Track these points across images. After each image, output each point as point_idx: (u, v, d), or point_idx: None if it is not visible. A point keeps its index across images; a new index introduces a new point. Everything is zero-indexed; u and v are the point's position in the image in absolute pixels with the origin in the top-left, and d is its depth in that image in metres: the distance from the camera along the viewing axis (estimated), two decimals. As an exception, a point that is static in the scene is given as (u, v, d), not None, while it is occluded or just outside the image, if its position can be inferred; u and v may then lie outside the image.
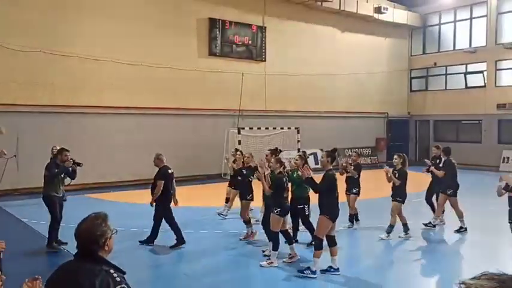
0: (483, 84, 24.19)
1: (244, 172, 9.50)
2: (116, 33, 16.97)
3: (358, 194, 10.09)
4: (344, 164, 10.11)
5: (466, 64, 24.86)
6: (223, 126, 19.10)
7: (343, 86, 23.95)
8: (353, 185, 10.02)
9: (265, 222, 8.17)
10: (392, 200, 9.33)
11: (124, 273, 2.59)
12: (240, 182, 9.72)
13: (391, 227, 9.28)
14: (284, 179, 7.80)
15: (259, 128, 19.66)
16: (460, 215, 9.91)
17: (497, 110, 23.26)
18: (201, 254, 8.42)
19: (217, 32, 19.70)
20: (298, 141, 20.19)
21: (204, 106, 19.24)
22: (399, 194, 9.22)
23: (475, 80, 24.56)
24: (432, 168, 10.47)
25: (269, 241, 7.88)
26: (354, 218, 10.23)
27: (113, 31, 16.91)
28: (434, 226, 10.29)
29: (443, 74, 26.18)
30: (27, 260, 7.63)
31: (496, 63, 23.76)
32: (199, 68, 19.10)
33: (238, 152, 10.81)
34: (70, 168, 8.78)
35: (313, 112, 22.60)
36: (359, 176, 10.12)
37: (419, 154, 27.11)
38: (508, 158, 22.80)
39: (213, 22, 19.53)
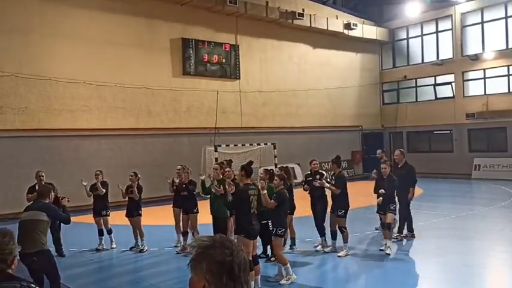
0: (452, 95, 24.94)
1: (190, 187, 9.80)
2: (89, 54, 16.92)
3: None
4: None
5: (435, 76, 25.61)
6: (200, 144, 19.09)
7: (318, 101, 24.32)
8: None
9: (217, 231, 8.37)
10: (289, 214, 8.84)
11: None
12: (186, 197, 9.81)
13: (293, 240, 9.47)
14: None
15: (235, 145, 19.75)
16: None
17: (466, 119, 23.95)
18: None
19: (191, 52, 19.84)
20: (275, 156, 20.34)
21: (179, 125, 19.26)
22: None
23: (444, 92, 25.32)
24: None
25: None
26: None
27: (86, 52, 16.86)
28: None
29: (413, 87, 26.89)
30: None
31: (463, 74, 24.56)
32: (174, 88, 19.15)
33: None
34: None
35: (288, 128, 22.84)
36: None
37: (394, 165, 27.55)
38: (479, 165, 23.40)
39: (186, 42, 19.68)
